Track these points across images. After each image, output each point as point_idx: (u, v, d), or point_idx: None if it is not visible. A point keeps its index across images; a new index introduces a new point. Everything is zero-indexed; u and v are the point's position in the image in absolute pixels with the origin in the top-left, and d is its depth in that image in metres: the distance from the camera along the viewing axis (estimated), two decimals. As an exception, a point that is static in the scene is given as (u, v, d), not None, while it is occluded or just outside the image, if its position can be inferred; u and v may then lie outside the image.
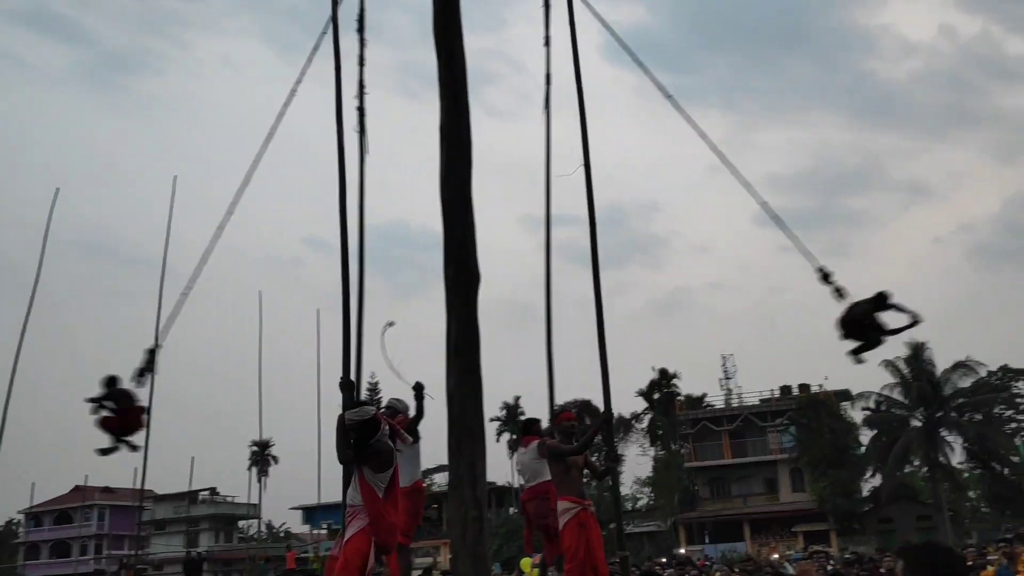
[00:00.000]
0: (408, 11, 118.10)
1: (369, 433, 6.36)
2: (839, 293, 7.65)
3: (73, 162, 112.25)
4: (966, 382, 47.84)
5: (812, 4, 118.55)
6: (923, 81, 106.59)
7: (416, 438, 7.24)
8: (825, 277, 7.68)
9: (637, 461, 56.34)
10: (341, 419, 6.57)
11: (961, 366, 46.66)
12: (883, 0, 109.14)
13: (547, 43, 9.56)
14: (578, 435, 8.00)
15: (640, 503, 57.86)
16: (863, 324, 7.65)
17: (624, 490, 41.87)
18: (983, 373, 49.67)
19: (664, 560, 24.02)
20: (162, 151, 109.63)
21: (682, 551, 39.95)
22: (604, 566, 7.50)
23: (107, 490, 61.86)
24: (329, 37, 8.45)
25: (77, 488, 59.74)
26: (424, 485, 7.36)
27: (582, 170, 8.65)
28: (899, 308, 7.58)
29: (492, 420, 53.23)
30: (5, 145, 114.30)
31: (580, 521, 7.40)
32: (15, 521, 71.69)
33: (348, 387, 7.05)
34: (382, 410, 7.35)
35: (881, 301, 7.54)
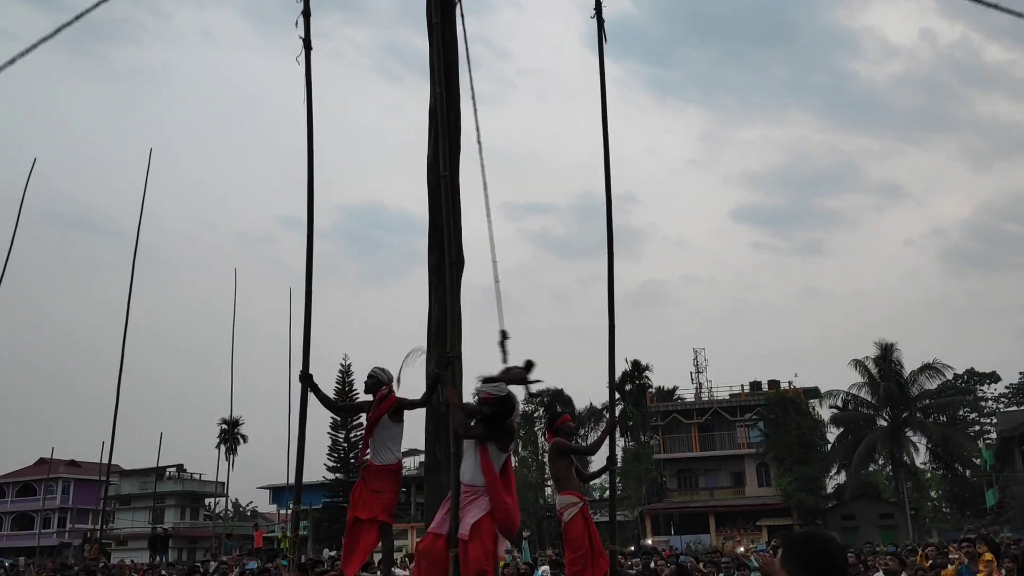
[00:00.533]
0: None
1: (507, 409, 6.29)
2: (504, 356, 8.24)
3: (46, 130, 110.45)
4: (933, 384, 48.62)
5: (795, 2, 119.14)
6: (902, 84, 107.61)
7: (400, 419, 7.20)
8: (503, 340, 8.17)
9: (606, 451, 56.61)
10: (455, 393, 6.49)
11: (928, 368, 47.36)
12: (866, 2, 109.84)
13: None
14: (575, 435, 8.30)
15: (608, 492, 58.11)
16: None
17: (594, 481, 42.04)
18: (949, 376, 50.50)
19: (632, 549, 24.14)
20: (137, 122, 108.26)
21: (648, 541, 40.30)
22: (605, 553, 7.92)
23: (72, 463, 61.21)
24: None
25: (42, 460, 59.04)
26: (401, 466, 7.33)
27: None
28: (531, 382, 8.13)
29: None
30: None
31: (584, 514, 7.85)
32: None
33: (452, 362, 6.76)
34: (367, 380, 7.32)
35: (529, 369, 7.98)
